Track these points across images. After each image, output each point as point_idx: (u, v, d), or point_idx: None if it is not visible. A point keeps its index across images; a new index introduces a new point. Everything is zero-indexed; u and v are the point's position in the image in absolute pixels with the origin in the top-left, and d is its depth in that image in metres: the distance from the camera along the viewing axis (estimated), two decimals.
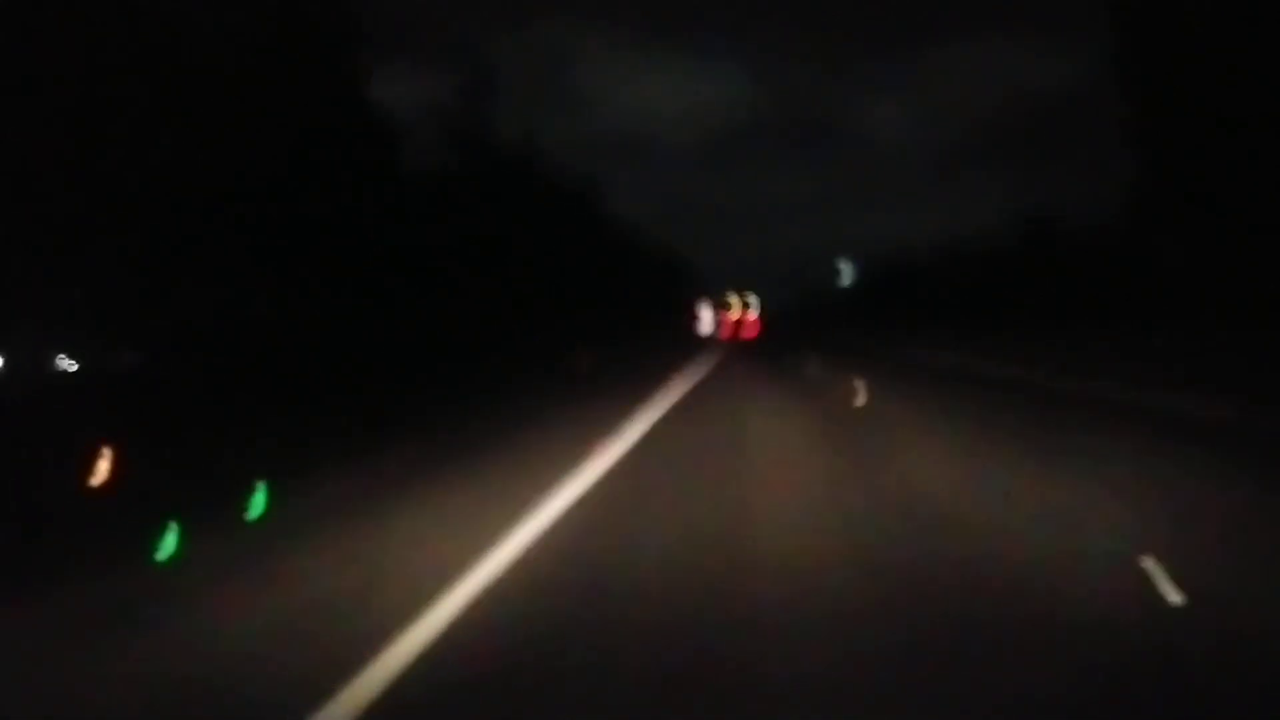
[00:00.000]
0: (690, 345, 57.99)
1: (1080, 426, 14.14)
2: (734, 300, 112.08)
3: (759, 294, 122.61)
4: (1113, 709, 3.92)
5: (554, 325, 31.18)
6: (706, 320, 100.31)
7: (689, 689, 4.17)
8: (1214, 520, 7.48)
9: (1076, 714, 3.88)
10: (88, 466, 8.67)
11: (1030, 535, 6.92)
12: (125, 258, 12.28)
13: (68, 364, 15.13)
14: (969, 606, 5.19)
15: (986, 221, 64.97)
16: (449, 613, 5.36)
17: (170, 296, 13.07)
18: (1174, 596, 5.30)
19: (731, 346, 64.53)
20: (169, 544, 7.13)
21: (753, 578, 6.05)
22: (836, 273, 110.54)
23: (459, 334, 23.26)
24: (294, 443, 10.85)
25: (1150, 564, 5.77)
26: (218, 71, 13.96)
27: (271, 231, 15.19)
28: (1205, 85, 24.53)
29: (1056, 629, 4.81)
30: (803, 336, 65.98)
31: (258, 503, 8.50)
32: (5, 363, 13.83)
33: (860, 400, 18.22)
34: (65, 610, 5.90)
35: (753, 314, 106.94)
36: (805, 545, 6.82)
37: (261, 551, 7.21)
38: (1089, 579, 5.71)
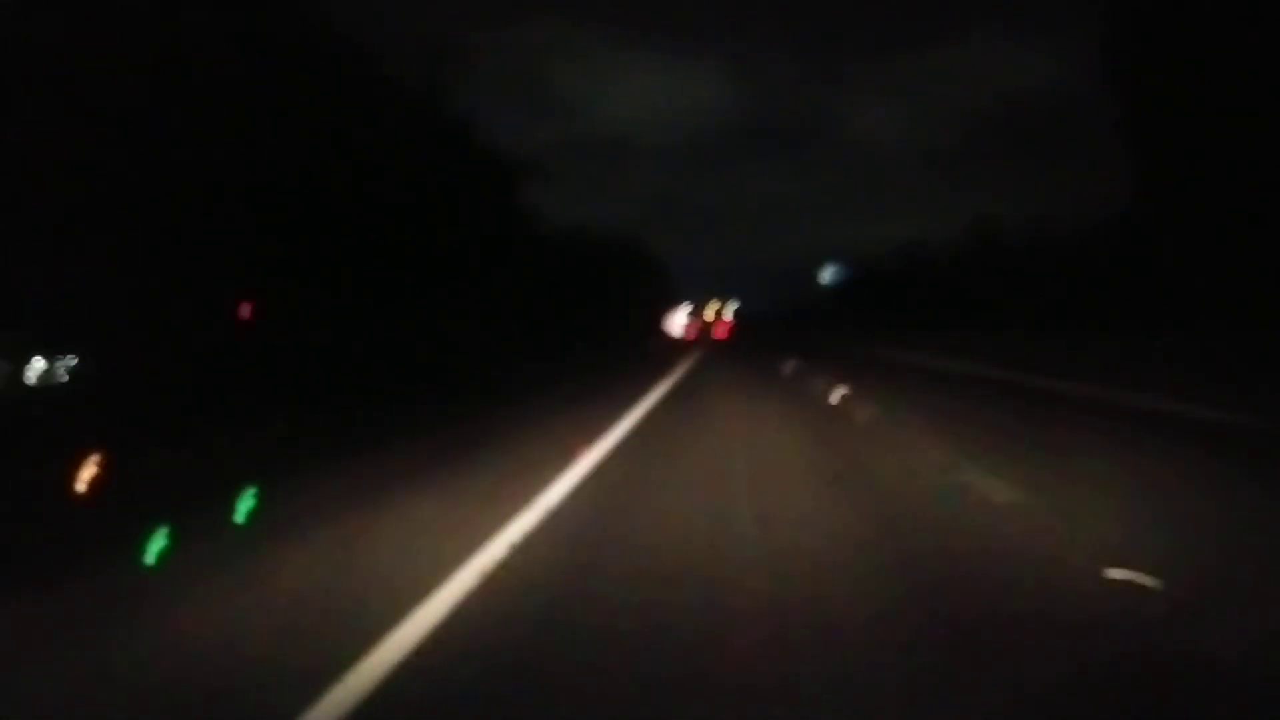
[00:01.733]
0: (641, 367, 34.62)
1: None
2: (710, 308, 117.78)
3: (741, 297, 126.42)
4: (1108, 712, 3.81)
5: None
6: (676, 324, 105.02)
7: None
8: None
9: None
10: (76, 470, 8.59)
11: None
12: (97, 254, 11.93)
13: None
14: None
15: (981, 223, 64.15)
16: (441, 610, 5.31)
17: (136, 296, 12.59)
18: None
19: (703, 353, 52.06)
20: (158, 546, 7.04)
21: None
22: (820, 276, 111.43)
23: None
24: (284, 444, 10.76)
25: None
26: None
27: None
28: (1199, 84, 24.56)
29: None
30: (776, 338, 72.79)
31: (248, 501, 8.42)
32: None
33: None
34: (53, 612, 5.85)
35: (726, 318, 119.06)
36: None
37: (251, 553, 7.14)
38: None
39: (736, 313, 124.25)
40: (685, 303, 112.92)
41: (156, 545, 7.04)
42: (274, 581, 6.26)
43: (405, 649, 4.68)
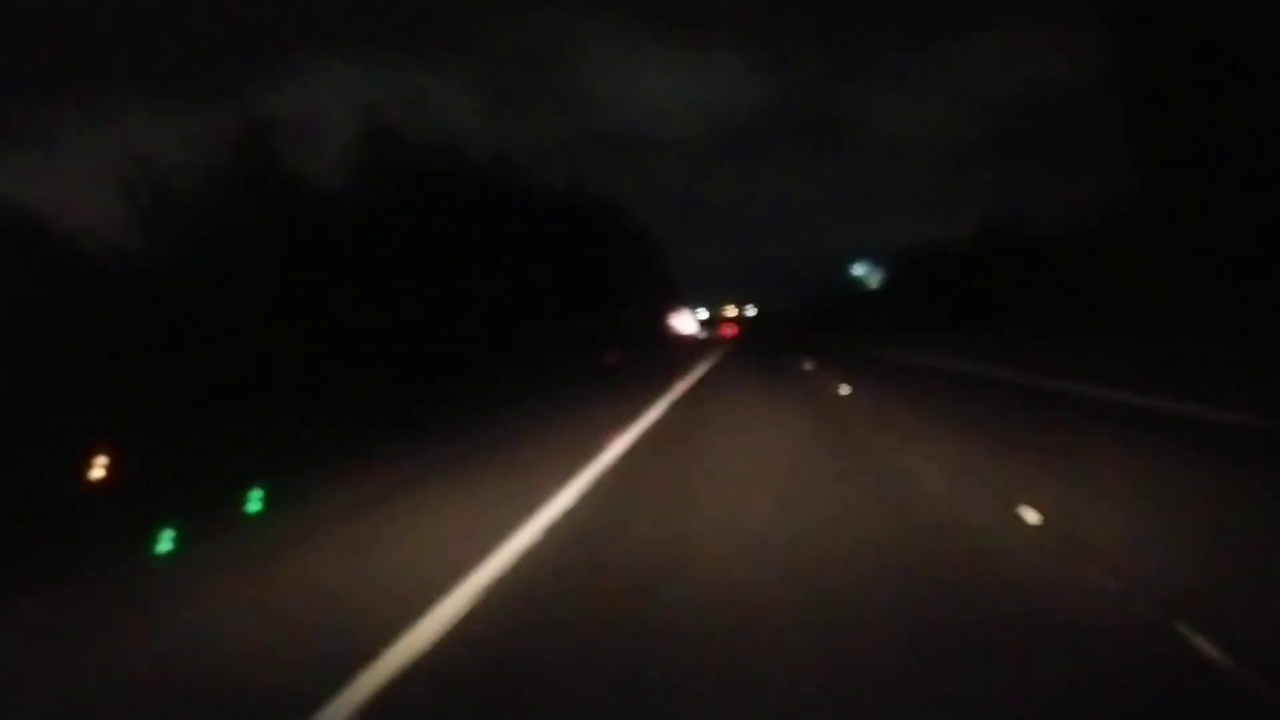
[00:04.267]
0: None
1: None
2: (727, 310, 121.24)
3: (763, 297, 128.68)
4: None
5: None
6: (682, 325, 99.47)
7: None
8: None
9: None
10: (88, 466, 8.67)
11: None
12: None
13: None
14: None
15: (994, 221, 61.37)
16: (449, 611, 5.29)
17: None
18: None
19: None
20: (167, 542, 7.12)
21: None
22: (855, 273, 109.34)
23: None
24: (291, 442, 10.80)
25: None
26: None
27: None
28: (1206, 86, 24.49)
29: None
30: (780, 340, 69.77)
31: (255, 501, 8.49)
32: None
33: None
34: (64, 607, 5.90)
35: (741, 321, 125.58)
36: None
37: (259, 549, 7.19)
38: None
39: (757, 315, 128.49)
40: (700, 308, 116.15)
41: (166, 540, 7.12)
42: (285, 578, 6.32)
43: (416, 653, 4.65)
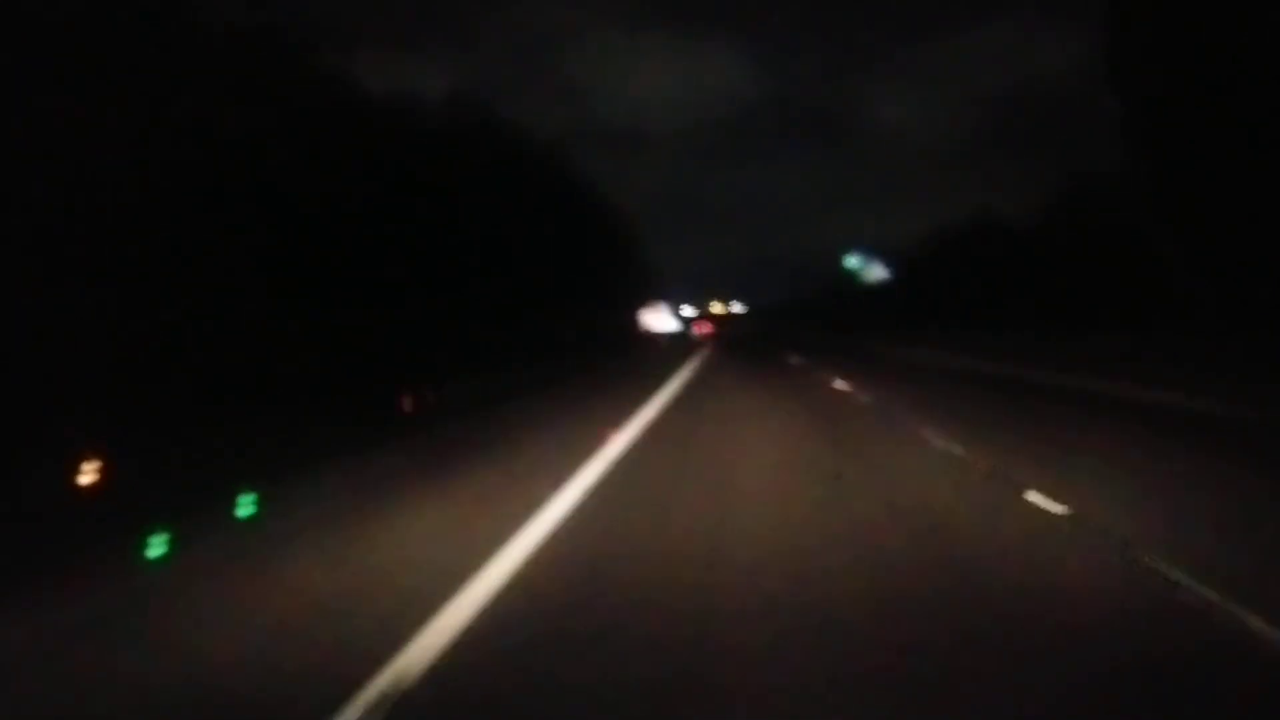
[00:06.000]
0: None
1: None
2: (714, 307, 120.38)
3: (754, 292, 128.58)
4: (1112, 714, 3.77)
5: None
6: (660, 323, 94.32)
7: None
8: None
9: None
10: (77, 469, 8.61)
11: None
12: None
13: None
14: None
15: (991, 216, 58.36)
16: (451, 616, 5.20)
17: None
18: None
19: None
20: (158, 546, 7.07)
21: None
22: (854, 268, 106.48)
23: None
24: (283, 445, 10.74)
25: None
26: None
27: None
28: (1200, 79, 24.47)
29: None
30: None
31: (247, 504, 8.43)
32: None
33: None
34: (55, 611, 5.85)
35: (709, 319, 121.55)
36: None
37: (251, 553, 7.13)
38: None
39: (747, 311, 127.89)
40: (685, 304, 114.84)
41: (157, 544, 7.07)
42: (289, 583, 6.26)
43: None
